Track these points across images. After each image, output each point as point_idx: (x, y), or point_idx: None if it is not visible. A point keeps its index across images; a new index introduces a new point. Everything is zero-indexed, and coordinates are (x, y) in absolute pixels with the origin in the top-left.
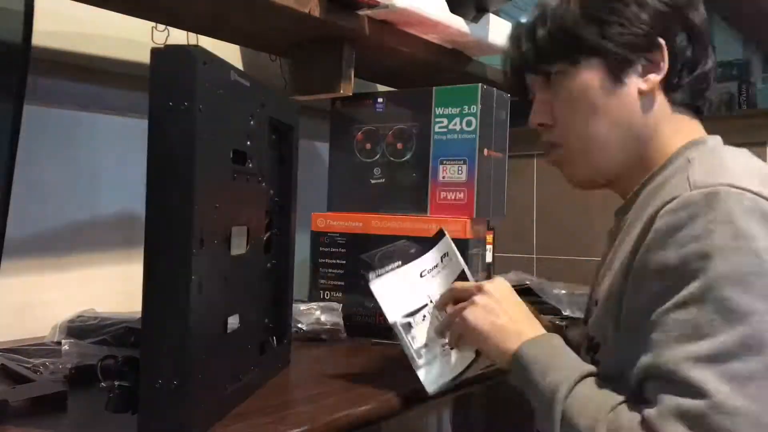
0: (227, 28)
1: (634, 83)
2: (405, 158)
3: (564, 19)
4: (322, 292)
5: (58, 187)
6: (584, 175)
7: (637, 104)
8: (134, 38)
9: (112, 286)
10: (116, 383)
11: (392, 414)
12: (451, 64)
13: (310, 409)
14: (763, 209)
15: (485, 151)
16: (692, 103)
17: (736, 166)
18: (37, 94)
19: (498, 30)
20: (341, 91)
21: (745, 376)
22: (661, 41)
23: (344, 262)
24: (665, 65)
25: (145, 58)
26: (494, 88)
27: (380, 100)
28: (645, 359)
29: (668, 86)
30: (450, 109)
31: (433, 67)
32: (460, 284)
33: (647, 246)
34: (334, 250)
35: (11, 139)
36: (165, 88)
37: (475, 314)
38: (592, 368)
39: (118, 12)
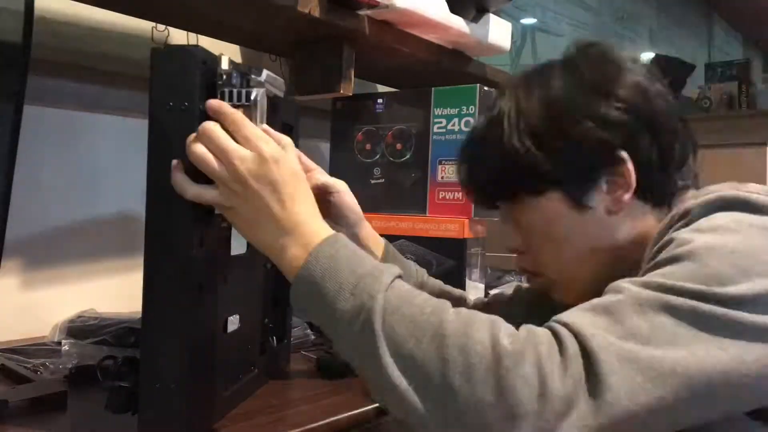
0: (227, 28)
1: (602, 203)
2: (404, 158)
3: (514, 152)
4: None
5: (58, 187)
6: (574, 298)
7: (608, 224)
8: (134, 38)
9: (112, 286)
10: (116, 384)
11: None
12: (452, 64)
13: (310, 408)
14: None
15: None
16: (668, 198)
17: None
18: (37, 94)
19: (498, 30)
20: (341, 91)
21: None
22: (624, 154)
23: None
24: (632, 179)
25: (145, 58)
26: (493, 89)
27: (380, 100)
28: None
29: (640, 194)
30: (448, 109)
31: (433, 68)
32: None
33: None
34: None
35: (11, 139)
36: (165, 88)
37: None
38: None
39: (118, 12)
